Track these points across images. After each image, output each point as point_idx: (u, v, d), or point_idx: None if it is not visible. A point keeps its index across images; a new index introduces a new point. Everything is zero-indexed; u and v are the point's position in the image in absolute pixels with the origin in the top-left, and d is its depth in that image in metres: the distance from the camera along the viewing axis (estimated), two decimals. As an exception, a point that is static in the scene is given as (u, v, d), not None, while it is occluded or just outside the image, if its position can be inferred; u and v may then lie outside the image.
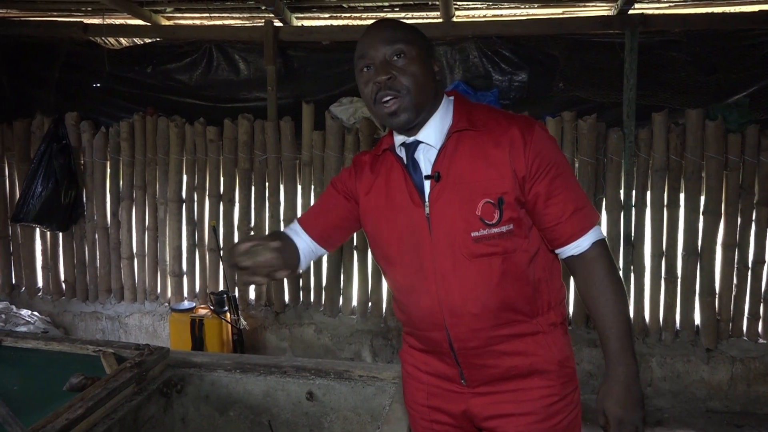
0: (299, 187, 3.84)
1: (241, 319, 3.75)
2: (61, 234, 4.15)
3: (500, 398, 1.48)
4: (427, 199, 1.43)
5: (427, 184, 1.43)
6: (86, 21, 4.05)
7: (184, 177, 3.95)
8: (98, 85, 4.16)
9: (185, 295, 4.04)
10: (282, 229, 1.69)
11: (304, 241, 1.63)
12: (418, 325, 1.54)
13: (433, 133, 1.44)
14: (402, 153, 1.49)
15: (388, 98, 1.39)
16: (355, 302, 3.84)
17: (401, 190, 1.47)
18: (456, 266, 1.41)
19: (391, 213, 1.49)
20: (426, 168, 1.44)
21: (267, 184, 3.85)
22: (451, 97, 1.50)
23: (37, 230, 4.21)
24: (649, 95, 3.44)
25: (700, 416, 3.40)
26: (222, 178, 3.90)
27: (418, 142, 1.45)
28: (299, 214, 3.83)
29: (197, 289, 4.02)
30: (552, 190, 1.37)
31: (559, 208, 1.37)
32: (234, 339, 3.71)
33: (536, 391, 1.46)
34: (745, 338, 3.43)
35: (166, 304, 4.06)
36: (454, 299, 1.42)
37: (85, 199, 4.10)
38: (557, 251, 1.44)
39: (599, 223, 1.43)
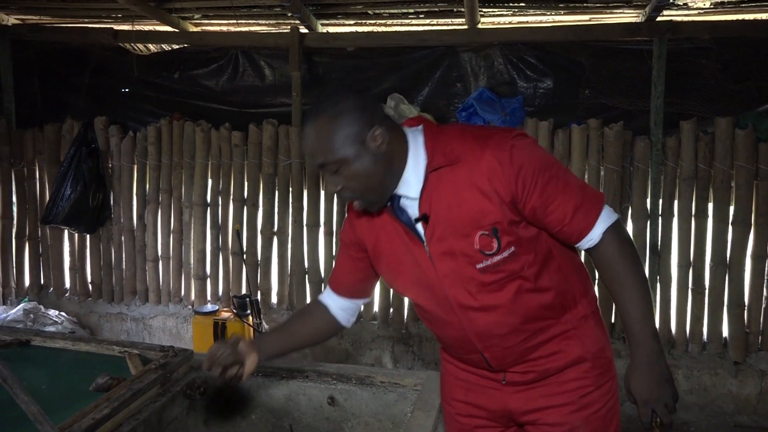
0: (322, 192, 3.86)
1: (263, 323, 3.77)
2: (88, 236, 4.22)
3: (538, 393, 1.52)
4: (424, 239, 1.43)
5: (419, 224, 1.43)
6: (116, 27, 4.13)
7: (209, 181, 4.00)
8: (127, 90, 4.24)
9: (208, 297, 4.08)
10: (319, 295, 1.73)
11: (337, 303, 1.69)
12: (453, 350, 1.61)
13: (411, 183, 1.41)
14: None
15: (351, 200, 1.42)
16: (376, 308, 3.84)
17: (398, 233, 1.47)
18: (470, 296, 1.43)
19: (396, 256, 1.50)
20: (414, 209, 1.43)
21: (291, 188, 3.88)
22: (419, 129, 1.43)
23: (66, 232, 4.28)
24: (677, 103, 3.39)
25: (728, 431, 3.32)
26: (246, 183, 3.94)
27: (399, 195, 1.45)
28: (322, 218, 3.84)
29: (220, 292, 4.05)
30: (546, 199, 1.34)
31: (560, 213, 1.35)
32: (256, 342, 3.73)
33: (572, 383, 1.49)
34: (775, 352, 3.35)
35: (190, 306, 4.10)
36: (479, 326, 1.46)
37: (112, 201, 4.17)
38: (576, 246, 1.45)
39: (606, 204, 1.38)
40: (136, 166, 4.10)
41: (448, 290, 1.44)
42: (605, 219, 1.36)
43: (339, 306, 1.70)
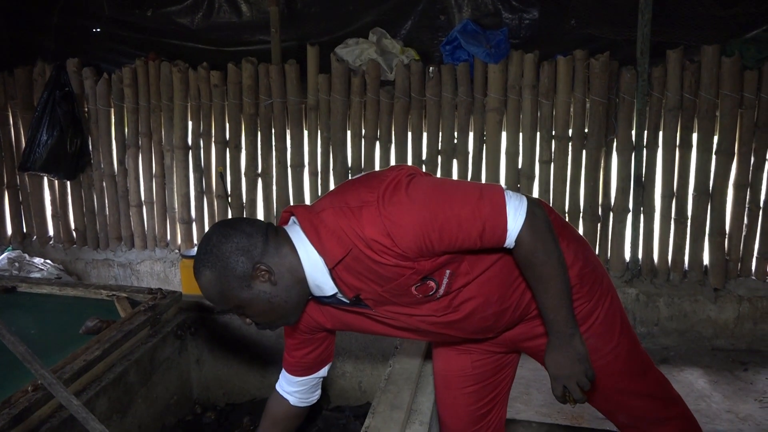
0: (306, 132, 3.80)
1: (251, 265, 3.78)
2: (69, 182, 4.15)
3: (536, 323, 1.55)
4: (370, 307, 1.42)
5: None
6: (82, -38, 3.93)
7: (190, 123, 3.92)
8: (98, 30, 4.07)
9: (195, 241, 4.07)
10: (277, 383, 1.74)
11: (297, 387, 1.65)
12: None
13: (321, 286, 1.37)
14: None
15: (265, 329, 1.41)
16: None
17: (346, 311, 1.47)
18: (440, 318, 1.44)
19: (359, 324, 1.50)
20: (340, 295, 1.40)
21: (273, 129, 3.81)
22: (297, 228, 1.35)
23: (45, 179, 4.21)
24: (664, 31, 3.33)
25: (706, 354, 3.45)
26: (227, 124, 3.86)
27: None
28: (306, 159, 3.80)
29: (207, 236, 4.03)
30: (449, 242, 1.28)
31: (470, 242, 1.30)
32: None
33: None
34: (753, 278, 3.44)
35: (177, 250, 4.09)
36: (466, 330, 1.49)
37: (91, 147, 4.08)
38: None
39: (508, 198, 1.28)
40: (113, 110, 4.00)
41: (420, 326, 1.46)
42: (513, 222, 1.28)
43: (298, 389, 1.66)
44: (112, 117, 4.02)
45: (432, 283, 1.36)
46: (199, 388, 2.39)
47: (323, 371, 1.65)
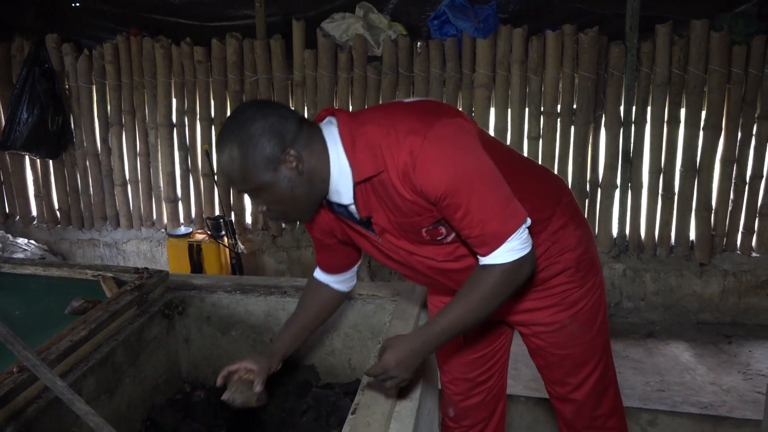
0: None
1: (239, 243, 3.76)
2: (51, 162, 4.08)
3: (525, 298, 1.56)
4: (375, 234, 1.42)
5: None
6: (59, -66, 3.82)
7: (174, 100, 3.85)
8: (78, 4, 3.96)
9: (181, 220, 4.03)
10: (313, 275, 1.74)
11: (332, 279, 1.68)
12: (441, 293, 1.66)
13: (341, 192, 1.36)
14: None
15: (276, 219, 1.39)
16: (352, 225, 3.84)
17: (352, 227, 1.47)
18: (438, 263, 1.44)
19: (361, 242, 1.50)
20: (353, 209, 1.40)
21: (259, 106, 3.75)
22: (335, 132, 1.32)
23: (27, 158, 4.13)
24: (653, 6, 3.30)
25: (691, 328, 3.49)
26: (212, 101, 3.80)
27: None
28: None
29: (193, 215, 4.00)
30: (446, 216, 1.30)
31: (458, 232, 1.32)
32: (232, 263, 3.73)
33: (557, 287, 1.55)
34: (738, 252, 3.47)
35: (163, 230, 4.05)
36: (460, 279, 1.45)
37: (73, 125, 4.01)
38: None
39: (516, 237, 1.27)
40: (94, 87, 3.92)
41: (417, 266, 1.47)
42: (499, 256, 1.27)
43: (336, 280, 1.69)
44: (94, 94, 3.94)
45: (443, 229, 1.36)
46: (188, 367, 2.38)
47: (355, 267, 1.67)
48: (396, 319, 1.93)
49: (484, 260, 1.30)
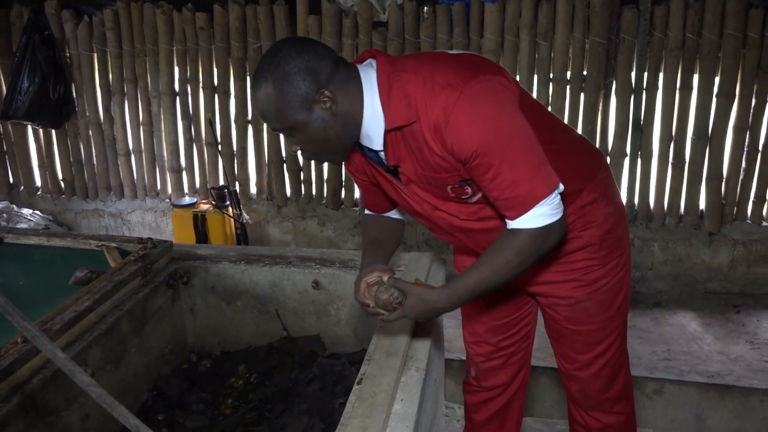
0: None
1: (244, 214, 3.74)
2: (54, 131, 4.05)
3: (546, 269, 1.54)
4: (402, 183, 1.41)
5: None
6: None
7: (176, 68, 3.79)
8: (76, -31, 3.88)
9: (186, 190, 4.01)
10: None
11: (385, 215, 1.64)
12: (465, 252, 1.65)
13: (372, 137, 1.34)
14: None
15: (309, 159, 1.40)
16: (357, 194, 3.81)
17: (380, 172, 1.45)
18: (462, 221, 1.42)
19: (388, 188, 1.48)
20: (383, 155, 1.39)
21: (262, 74, 3.69)
22: (372, 75, 1.30)
23: (29, 128, 4.10)
24: (667, -33, 3.20)
25: (699, 297, 3.47)
26: (215, 69, 3.73)
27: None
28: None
29: (197, 185, 3.98)
30: (474, 177, 1.28)
31: (486, 194, 1.30)
32: (237, 233, 3.72)
33: (579, 263, 1.52)
34: (748, 221, 3.42)
35: (167, 200, 4.03)
36: (482, 242, 1.44)
37: (75, 94, 3.96)
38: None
39: (548, 201, 1.24)
40: (95, 55, 3.85)
41: (438, 221, 1.46)
42: (527, 220, 1.24)
43: (388, 212, 1.65)
44: (95, 62, 3.87)
45: (468, 189, 1.34)
46: (194, 337, 2.39)
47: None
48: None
49: (513, 224, 1.27)
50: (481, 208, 1.39)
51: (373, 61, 1.33)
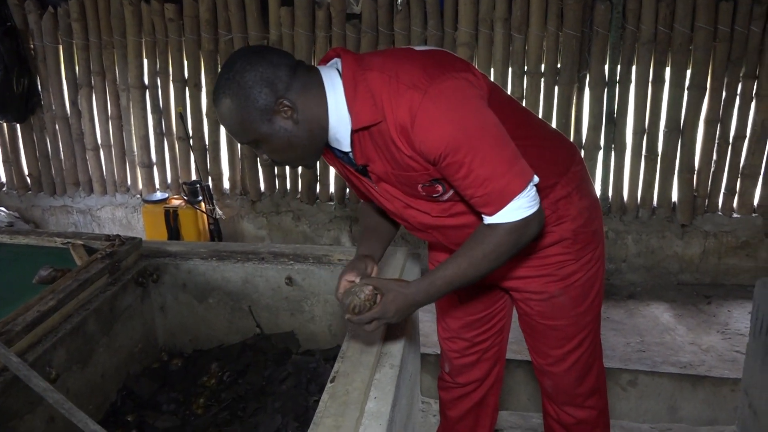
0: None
1: (217, 209, 3.68)
2: (18, 126, 3.93)
3: (519, 264, 1.53)
4: (372, 181, 1.39)
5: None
6: None
7: (145, 61, 3.70)
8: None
9: (157, 186, 3.93)
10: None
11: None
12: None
13: (340, 140, 1.32)
14: None
15: (284, 165, 1.39)
16: (332, 189, 3.77)
17: (351, 171, 1.43)
18: (434, 219, 1.41)
19: (360, 186, 1.47)
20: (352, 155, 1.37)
21: (234, 66, 3.62)
22: (337, 75, 1.27)
23: (-7, 122, 3.98)
24: (639, -40, 3.21)
25: (671, 289, 3.51)
26: (185, 62, 3.66)
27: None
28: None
29: (169, 180, 3.90)
30: (447, 177, 1.26)
31: (462, 193, 1.28)
32: (211, 229, 3.66)
33: (552, 258, 1.51)
34: (720, 213, 3.47)
35: (138, 195, 3.95)
36: (454, 239, 1.44)
37: (40, 87, 3.85)
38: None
39: (523, 195, 1.22)
40: (61, 47, 3.75)
41: (410, 219, 1.44)
42: (505, 215, 1.23)
43: None
44: (61, 54, 3.77)
45: (440, 187, 1.33)
46: (165, 336, 2.33)
47: None
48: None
49: (490, 220, 1.25)
50: (452, 205, 1.38)
51: (338, 61, 1.30)
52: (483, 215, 1.27)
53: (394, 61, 1.26)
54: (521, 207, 1.23)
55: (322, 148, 1.35)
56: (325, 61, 1.34)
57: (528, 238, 1.27)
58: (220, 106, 1.26)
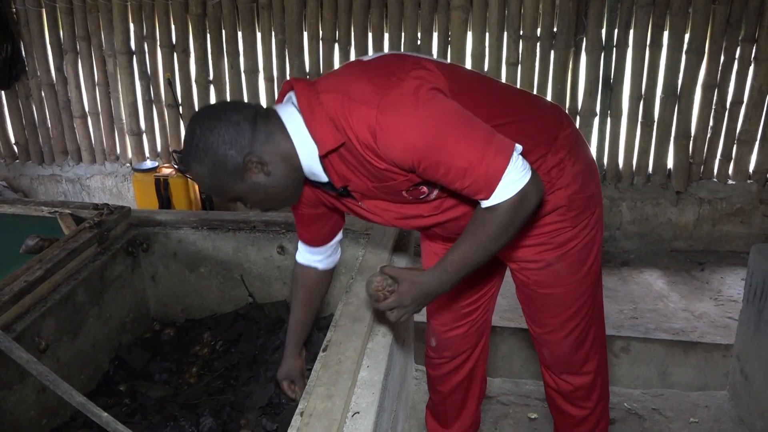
0: (258, 35, 3.54)
1: (208, 177, 3.63)
2: (3, 92, 3.84)
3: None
4: (357, 200, 1.37)
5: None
6: None
7: (131, 25, 3.60)
8: None
9: (147, 154, 3.87)
10: (297, 260, 1.66)
11: (317, 256, 1.61)
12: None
13: (315, 173, 1.30)
14: None
15: (269, 211, 1.38)
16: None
17: (335, 197, 1.41)
18: (426, 219, 1.40)
19: (346, 208, 1.45)
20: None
21: (223, 31, 3.54)
22: (294, 108, 1.24)
23: (-24, 89, 3.88)
24: None
25: (665, 255, 3.51)
26: (173, 26, 3.56)
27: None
28: (260, 64, 3.57)
29: (159, 148, 3.84)
30: (431, 179, 1.22)
31: (450, 188, 1.23)
32: (202, 198, 3.62)
33: (548, 226, 1.47)
34: (715, 180, 3.45)
35: (128, 164, 3.89)
36: (450, 231, 1.43)
37: (24, 52, 3.75)
38: None
39: (511, 168, 1.17)
40: (44, 10, 3.64)
41: (406, 227, 1.45)
42: (499, 194, 1.18)
43: (320, 258, 1.62)
44: (45, 18, 3.66)
45: (424, 188, 1.30)
46: (157, 306, 2.32)
47: (340, 235, 1.62)
48: (369, 253, 1.87)
49: (486, 203, 1.21)
50: (442, 202, 1.36)
51: (292, 94, 1.27)
52: (481, 201, 1.24)
53: (344, 79, 1.23)
54: (513, 181, 1.18)
55: (302, 185, 1.34)
56: (282, 94, 1.32)
57: (530, 207, 1.23)
58: (192, 173, 1.26)
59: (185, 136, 1.26)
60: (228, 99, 3.65)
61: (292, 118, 1.25)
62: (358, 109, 1.17)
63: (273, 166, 1.24)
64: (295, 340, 1.72)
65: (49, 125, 3.89)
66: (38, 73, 3.76)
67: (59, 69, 3.74)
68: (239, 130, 1.21)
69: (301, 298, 1.68)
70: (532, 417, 2.23)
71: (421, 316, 2.23)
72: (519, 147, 1.20)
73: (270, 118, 1.25)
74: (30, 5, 3.61)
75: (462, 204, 1.36)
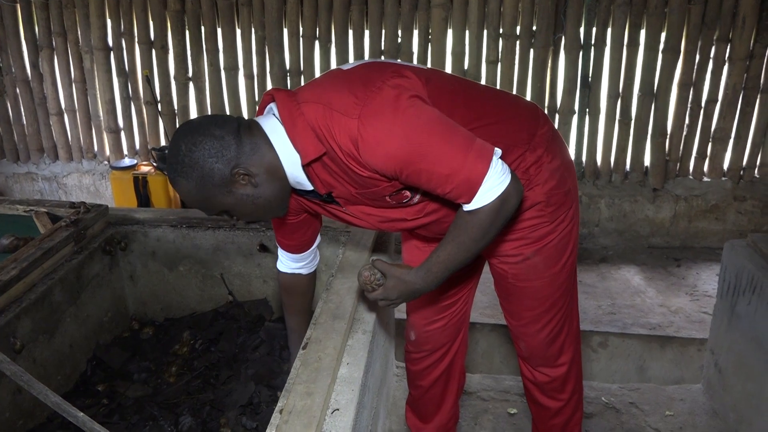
0: (238, 31, 3.51)
1: (188, 175, 3.60)
2: (-24, 89, 3.77)
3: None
4: (341, 205, 1.39)
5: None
6: None
7: (108, 21, 3.56)
8: None
9: (125, 152, 3.83)
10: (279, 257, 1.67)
11: (299, 263, 1.63)
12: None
13: (300, 182, 1.31)
14: None
15: (256, 222, 1.37)
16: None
17: (318, 204, 1.43)
18: (407, 222, 1.41)
19: (329, 214, 1.46)
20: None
21: (203, 28, 3.51)
22: (275, 118, 1.26)
23: (-51, 86, 3.81)
24: None
25: (642, 252, 3.56)
26: (151, 22, 3.52)
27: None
28: (240, 61, 3.55)
29: (137, 145, 3.80)
30: (415, 184, 1.24)
31: (434, 193, 1.25)
32: (182, 195, 3.58)
33: (526, 222, 1.50)
34: (690, 177, 3.51)
35: (106, 162, 3.85)
36: (433, 233, 1.46)
37: (-2, 48, 3.69)
38: None
39: (491, 171, 1.19)
40: (18, 5, 3.58)
41: (390, 230, 1.48)
42: (481, 198, 1.20)
43: (302, 264, 1.64)
44: (19, 14, 3.60)
45: (407, 193, 1.33)
46: (135, 305, 2.30)
47: (319, 238, 1.64)
48: (349, 250, 1.87)
49: (468, 207, 1.24)
50: (425, 205, 1.38)
51: (273, 106, 1.28)
52: (462, 205, 1.26)
53: (324, 88, 1.24)
54: (493, 186, 1.21)
55: (288, 195, 1.35)
56: (263, 105, 1.32)
57: (510, 209, 1.26)
58: (179, 188, 1.25)
59: (169, 151, 1.25)
60: (207, 96, 3.63)
61: (274, 129, 1.26)
62: (339, 119, 1.18)
63: (260, 177, 1.25)
64: (300, 346, 1.73)
65: (25, 122, 3.82)
66: (13, 70, 3.70)
67: (35, 65, 3.68)
68: (224, 143, 1.21)
69: (294, 305, 1.70)
70: (512, 412, 2.26)
71: (400, 313, 2.24)
72: (498, 151, 1.23)
73: (253, 130, 1.26)
74: (4, 0, 3.54)
75: (444, 207, 1.38)
